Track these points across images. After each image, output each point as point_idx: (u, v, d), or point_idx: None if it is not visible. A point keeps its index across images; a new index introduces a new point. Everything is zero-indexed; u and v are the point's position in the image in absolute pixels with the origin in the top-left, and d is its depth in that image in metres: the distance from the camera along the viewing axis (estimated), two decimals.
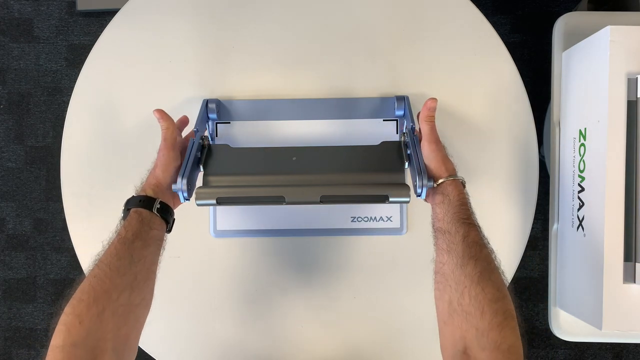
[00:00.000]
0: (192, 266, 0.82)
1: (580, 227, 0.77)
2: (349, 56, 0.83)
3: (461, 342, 0.53)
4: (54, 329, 0.53)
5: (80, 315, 0.52)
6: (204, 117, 0.77)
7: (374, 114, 0.82)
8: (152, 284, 0.62)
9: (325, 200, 0.65)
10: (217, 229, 0.81)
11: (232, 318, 0.82)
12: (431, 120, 0.69)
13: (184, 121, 0.77)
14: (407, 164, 0.69)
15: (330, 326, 0.82)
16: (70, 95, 0.83)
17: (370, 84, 0.83)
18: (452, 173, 0.65)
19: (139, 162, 0.82)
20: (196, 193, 0.67)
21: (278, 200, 0.65)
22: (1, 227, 1.50)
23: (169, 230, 0.67)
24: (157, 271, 0.63)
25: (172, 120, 0.70)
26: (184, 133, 0.76)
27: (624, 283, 0.69)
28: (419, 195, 0.65)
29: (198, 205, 0.67)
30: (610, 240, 0.70)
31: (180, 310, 0.82)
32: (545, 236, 0.93)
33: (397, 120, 0.82)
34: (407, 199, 0.66)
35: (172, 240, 0.67)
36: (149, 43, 0.83)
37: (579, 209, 0.78)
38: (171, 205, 0.66)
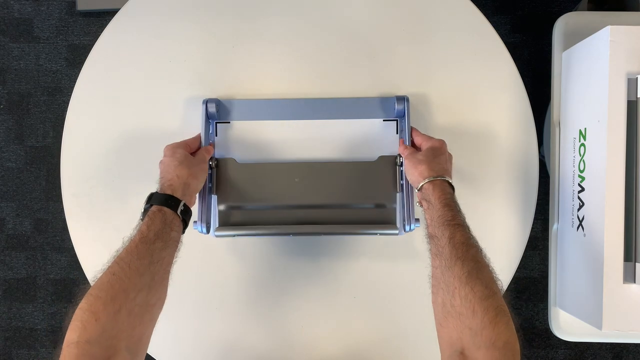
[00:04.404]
0: (192, 266, 0.82)
1: (580, 227, 0.77)
2: (349, 56, 0.83)
3: (458, 343, 0.53)
4: (68, 324, 0.53)
5: (96, 313, 0.52)
6: (207, 138, 0.80)
7: (374, 114, 0.82)
8: (167, 283, 0.62)
9: (325, 234, 0.80)
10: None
11: (232, 318, 0.82)
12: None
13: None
14: (398, 194, 0.78)
15: (330, 326, 0.82)
16: (70, 95, 0.83)
17: (370, 84, 0.83)
18: (427, 175, 0.66)
19: (139, 162, 0.82)
20: (216, 234, 0.77)
21: (286, 235, 0.80)
22: (1, 227, 1.50)
23: (183, 232, 0.68)
24: (171, 272, 0.64)
25: None
26: None
27: (624, 283, 0.69)
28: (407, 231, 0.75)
29: (217, 237, 0.78)
30: (610, 240, 0.70)
31: (180, 310, 0.82)
32: (545, 236, 0.93)
33: (397, 120, 0.82)
34: (395, 232, 0.77)
35: None
36: (149, 43, 0.83)
37: (579, 209, 0.78)
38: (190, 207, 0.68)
